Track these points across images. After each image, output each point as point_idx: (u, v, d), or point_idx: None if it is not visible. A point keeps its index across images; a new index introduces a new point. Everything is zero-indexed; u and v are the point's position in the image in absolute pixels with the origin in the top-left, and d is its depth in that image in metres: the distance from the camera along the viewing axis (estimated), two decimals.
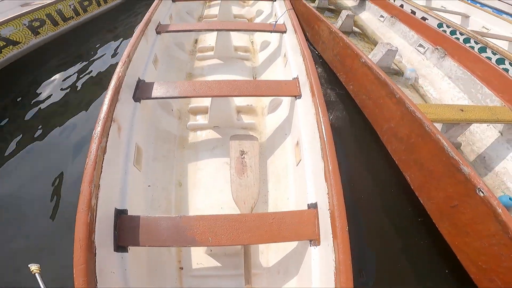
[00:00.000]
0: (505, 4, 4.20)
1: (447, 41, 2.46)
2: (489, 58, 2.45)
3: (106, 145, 0.98)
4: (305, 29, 2.84)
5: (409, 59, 2.72)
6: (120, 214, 0.95)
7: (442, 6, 4.05)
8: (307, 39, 2.76)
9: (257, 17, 3.06)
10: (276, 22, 2.21)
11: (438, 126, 1.75)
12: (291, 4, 2.35)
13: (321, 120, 1.11)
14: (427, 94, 2.41)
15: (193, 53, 2.49)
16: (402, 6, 3.31)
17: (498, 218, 0.98)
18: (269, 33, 2.28)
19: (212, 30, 2.18)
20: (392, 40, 2.94)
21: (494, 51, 2.44)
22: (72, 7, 3.25)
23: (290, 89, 1.53)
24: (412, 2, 3.27)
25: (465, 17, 3.69)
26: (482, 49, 2.52)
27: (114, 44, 3.22)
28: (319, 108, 1.18)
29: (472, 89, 2.19)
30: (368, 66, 1.83)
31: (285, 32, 2.15)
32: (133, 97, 1.38)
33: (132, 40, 1.58)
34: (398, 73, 2.56)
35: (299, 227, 0.97)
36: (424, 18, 2.98)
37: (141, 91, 1.43)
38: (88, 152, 0.90)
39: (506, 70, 2.36)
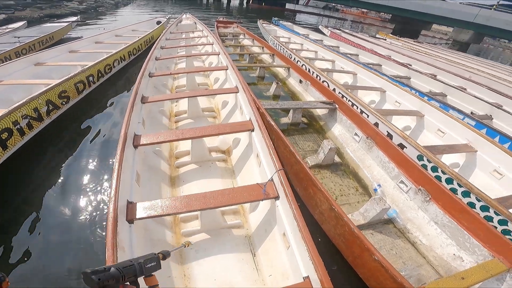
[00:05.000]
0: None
1: (430, 182, 2.36)
2: (473, 204, 2.39)
3: None
4: (296, 189, 2.54)
5: (393, 198, 2.59)
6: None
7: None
8: (300, 200, 2.45)
9: (234, 148, 2.87)
10: (266, 184, 1.85)
11: None
12: (281, 163, 1.94)
13: None
14: (417, 241, 2.32)
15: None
16: (377, 125, 3.22)
17: None
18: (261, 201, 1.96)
19: (195, 210, 1.79)
20: (371, 170, 2.84)
21: (479, 198, 2.37)
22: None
23: None
24: (388, 123, 3.12)
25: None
26: (466, 193, 2.45)
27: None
28: None
29: (459, 238, 2.18)
30: (383, 265, 1.63)
31: (277, 198, 1.83)
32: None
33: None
34: (388, 221, 2.42)
35: None
36: (402, 146, 2.88)
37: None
38: None
39: (490, 218, 2.29)
